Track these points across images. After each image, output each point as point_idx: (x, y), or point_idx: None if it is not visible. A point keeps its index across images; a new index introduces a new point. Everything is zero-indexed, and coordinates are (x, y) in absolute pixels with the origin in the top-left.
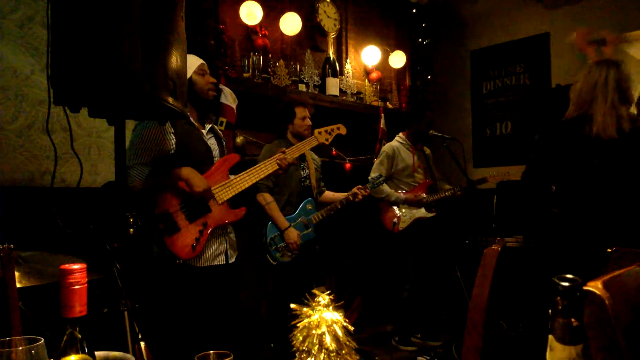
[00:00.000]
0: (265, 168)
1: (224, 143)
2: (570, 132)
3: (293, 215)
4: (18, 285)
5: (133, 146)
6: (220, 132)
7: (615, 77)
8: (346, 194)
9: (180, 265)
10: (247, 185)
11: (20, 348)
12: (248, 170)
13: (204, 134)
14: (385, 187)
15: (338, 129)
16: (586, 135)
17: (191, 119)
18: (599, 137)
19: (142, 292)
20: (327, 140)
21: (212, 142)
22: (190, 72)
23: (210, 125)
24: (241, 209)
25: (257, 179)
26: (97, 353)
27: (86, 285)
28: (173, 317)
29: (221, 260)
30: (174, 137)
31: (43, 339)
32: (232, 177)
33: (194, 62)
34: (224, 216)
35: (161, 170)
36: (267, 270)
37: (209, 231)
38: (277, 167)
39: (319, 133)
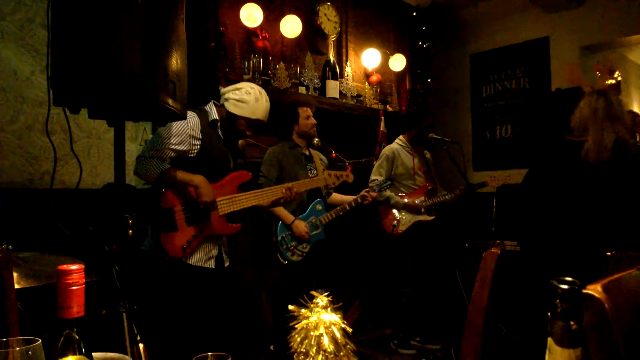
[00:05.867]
0: (271, 194)
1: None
2: (569, 152)
3: (303, 215)
4: (16, 286)
5: (157, 138)
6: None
7: (603, 106)
8: (354, 196)
9: (170, 259)
10: (250, 205)
11: (17, 349)
12: (255, 190)
13: (224, 144)
14: (387, 191)
15: (347, 176)
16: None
17: (219, 132)
18: (587, 161)
19: (140, 291)
20: (333, 184)
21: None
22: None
23: None
24: (237, 224)
25: (261, 202)
26: (94, 354)
27: (84, 286)
28: (163, 313)
29: (211, 264)
30: (199, 143)
31: (40, 340)
32: (239, 193)
33: None
34: (220, 228)
35: (177, 170)
36: (272, 272)
37: (201, 238)
38: (282, 196)
39: (329, 175)
